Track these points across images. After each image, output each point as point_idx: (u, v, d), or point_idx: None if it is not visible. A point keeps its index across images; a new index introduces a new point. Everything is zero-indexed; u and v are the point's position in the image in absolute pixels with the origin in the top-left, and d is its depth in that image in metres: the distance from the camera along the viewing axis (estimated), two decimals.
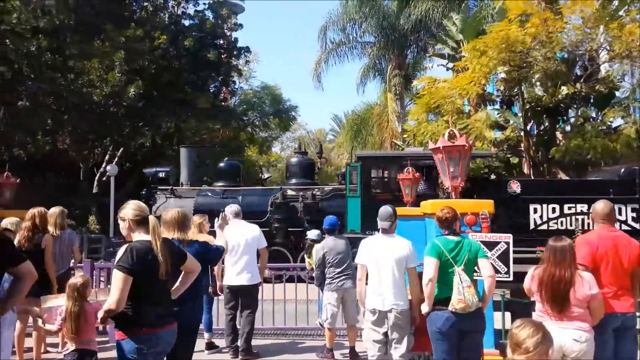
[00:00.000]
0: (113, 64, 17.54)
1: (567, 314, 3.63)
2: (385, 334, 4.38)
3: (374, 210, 11.61)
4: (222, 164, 14.68)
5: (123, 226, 3.45)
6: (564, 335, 3.57)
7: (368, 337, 4.47)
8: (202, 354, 6.09)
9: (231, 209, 6.16)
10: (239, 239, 5.94)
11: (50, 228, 5.76)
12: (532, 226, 11.05)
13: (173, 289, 3.61)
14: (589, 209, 10.54)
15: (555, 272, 3.64)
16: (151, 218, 3.42)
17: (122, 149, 20.60)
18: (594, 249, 4.01)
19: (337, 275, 5.85)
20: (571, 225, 10.79)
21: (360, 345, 5.61)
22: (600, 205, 4.28)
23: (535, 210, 11.09)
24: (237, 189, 13.31)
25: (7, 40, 17.14)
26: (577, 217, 10.80)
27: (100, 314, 3.20)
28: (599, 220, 4.25)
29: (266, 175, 14.80)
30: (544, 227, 10.98)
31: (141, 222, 3.39)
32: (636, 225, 10.71)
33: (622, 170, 11.65)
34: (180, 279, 3.62)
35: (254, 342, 6.15)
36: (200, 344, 6.11)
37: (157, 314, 3.29)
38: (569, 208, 10.89)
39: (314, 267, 6.22)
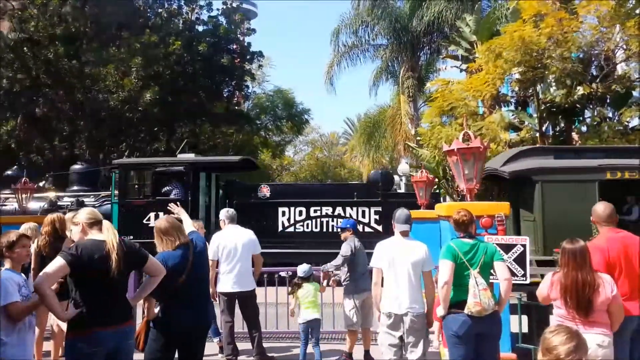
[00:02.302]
0: (129, 70, 17.78)
1: (591, 319, 3.52)
2: (401, 338, 4.34)
3: (130, 215, 11.39)
4: (9, 172, 13.96)
5: (76, 230, 3.49)
6: (589, 341, 3.46)
7: (384, 341, 4.43)
8: (216, 357, 6.09)
9: (227, 213, 6.03)
10: (236, 245, 5.81)
11: (68, 233, 5.82)
12: (280, 229, 11.55)
13: (138, 290, 3.65)
14: (333, 211, 11.53)
15: (578, 276, 3.50)
16: (105, 222, 3.48)
17: (137, 153, 20.84)
18: (606, 255, 3.91)
19: (359, 276, 5.79)
20: (316, 227, 11.47)
21: (374, 349, 5.58)
22: (601, 207, 4.13)
23: (283, 214, 11.59)
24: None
25: (25, 48, 17.48)
26: (323, 219, 11.49)
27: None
28: (602, 223, 4.11)
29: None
30: (291, 229, 11.57)
31: (94, 224, 3.47)
32: (378, 227, 11.21)
33: (369, 174, 12.14)
34: (144, 281, 3.67)
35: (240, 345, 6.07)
36: (212, 348, 6.15)
37: (105, 313, 3.29)
38: (315, 211, 11.51)
39: (340, 264, 5.87)
